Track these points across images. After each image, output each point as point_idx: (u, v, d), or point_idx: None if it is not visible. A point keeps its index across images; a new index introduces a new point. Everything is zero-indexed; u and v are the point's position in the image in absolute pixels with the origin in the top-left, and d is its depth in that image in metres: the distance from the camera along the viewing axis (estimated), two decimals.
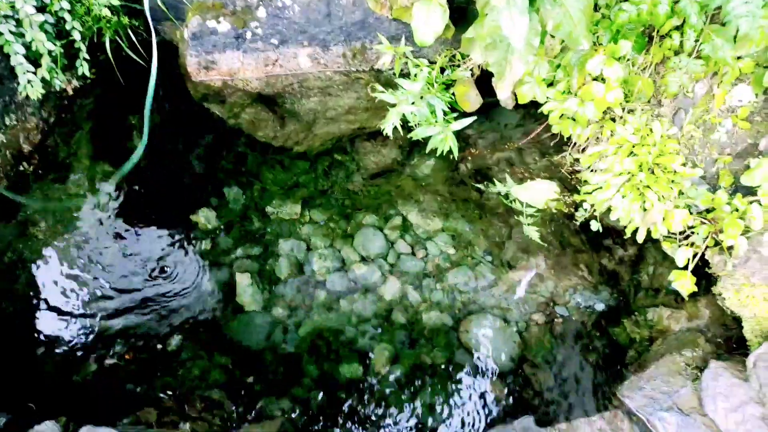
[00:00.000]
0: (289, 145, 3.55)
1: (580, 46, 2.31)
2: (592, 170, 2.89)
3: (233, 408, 2.71)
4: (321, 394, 2.89)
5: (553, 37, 2.70)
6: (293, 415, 2.77)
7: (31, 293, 2.92)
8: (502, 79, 2.41)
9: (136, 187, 3.36)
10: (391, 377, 2.96)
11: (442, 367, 2.99)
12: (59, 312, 2.91)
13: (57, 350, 2.79)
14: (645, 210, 2.55)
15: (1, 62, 2.84)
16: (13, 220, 3.00)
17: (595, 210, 2.79)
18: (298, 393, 2.88)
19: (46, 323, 2.86)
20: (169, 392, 2.70)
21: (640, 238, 2.58)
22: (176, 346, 2.94)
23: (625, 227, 2.69)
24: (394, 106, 2.75)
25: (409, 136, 2.91)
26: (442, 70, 3.20)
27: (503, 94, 2.57)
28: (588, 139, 2.84)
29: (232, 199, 3.47)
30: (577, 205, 2.99)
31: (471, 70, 3.23)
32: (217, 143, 3.58)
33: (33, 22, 2.77)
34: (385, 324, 3.13)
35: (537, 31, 2.33)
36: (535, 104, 2.89)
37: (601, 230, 2.80)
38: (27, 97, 2.76)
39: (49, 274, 2.98)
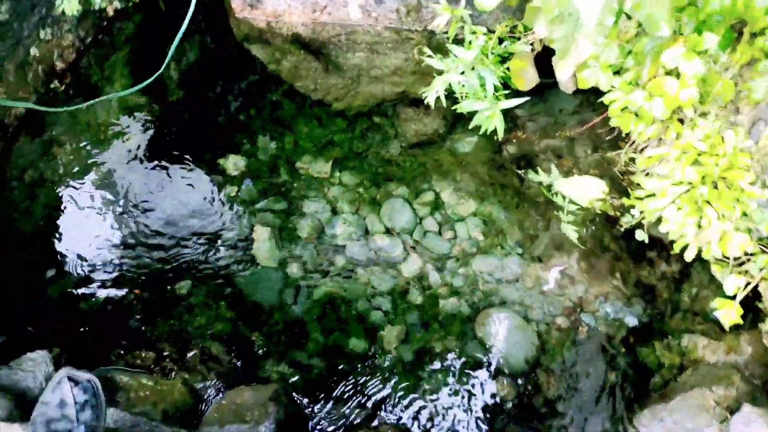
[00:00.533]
0: (328, 100, 3.37)
1: (659, 32, 2.03)
2: (647, 174, 2.62)
3: (230, 364, 2.64)
4: (323, 363, 2.81)
5: (629, 18, 2.41)
6: (290, 380, 2.69)
7: (49, 215, 2.89)
8: (565, 57, 2.15)
9: (168, 122, 3.27)
10: (398, 357, 2.84)
11: (452, 356, 2.85)
12: (74, 237, 2.87)
13: (66, 276, 2.77)
14: (700, 227, 2.30)
15: None
16: (39, 138, 2.95)
17: (643, 218, 2.53)
18: (299, 357, 2.80)
19: (60, 247, 2.84)
20: (170, 338, 2.65)
21: (689, 256, 2.33)
22: (186, 291, 2.89)
23: (673, 242, 2.44)
24: (441, 73, 2.52)
25: (453, 108, 2.69)
26: (500, 40, 2.93)
27: (563, 75, 2.32)
28: (649, 138, 2.56)
29: (262, 149, 3.34)
30: (624, 210, 2.74)
31: (532, 44, 2.95)
32: (254, 88, 3.43)
33: None
34: (400, 301, 3.00)
35: (612, 9, 2.05)
36: (595, 92, 2.61)
37: (646, 241, 2.56)
38: (63, 12, 2.65)
39: (68, 198, 2.94)
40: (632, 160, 2.82)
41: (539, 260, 3.03)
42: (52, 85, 2.97)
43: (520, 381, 2.71)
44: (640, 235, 2.57)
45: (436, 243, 3.15)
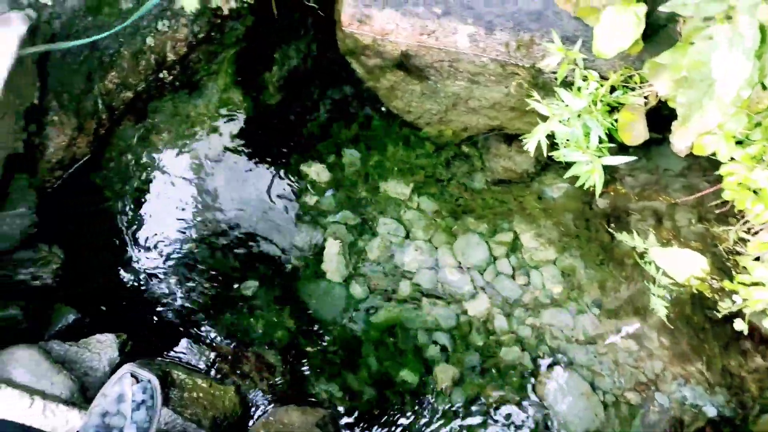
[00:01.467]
0: (419, 124, 3.31)
1: None
2: (758, 258, 2.38)
3: (283, 376, 2.63)
4: (372, 390, 2.74)
5: (764, 88, 2.20)
6: (338, 404, 2.65)
7: (138, 198, 2.99)
8: (686, 124, 1.98)
9: (261, 122, 3.32)
10: (449, 399, 2.74)
11: (506, 409, 2.71)
12: (155, 224, 2.96)
13: (143, 262, 2.85)
14: None
15: None
16: (141, 123, 3.07)
17: (746, 306, 2.30)
18: (350, 381, 2.74)
19: (141, 232, 2.93)
20: (230, 339, 2.67)
21: None
22: (251, 293, 2.90)
23: None
24: (545, 118, 2.40)
25: (549, 154, 2.56)
26: (612, 89, 2.77)
27: (681, 143, 2.14)
28: (766, 222, 2.33)
29: (348, 162, 3.32)
30: (723, 294, 2.50)
31: (646, 97, 2.77)
32: (349, 101, 3.42)
33: None
34: (460, 341, 2.89)
35: (752, 81, 1.87)
36: (709, 157, 2.41)
37: (746, 332, 2.32)
38: (182, 7, 2.74)
39: (157, 185, 3.03)
40: (742, 240, 2.57)
41: (617, 326, 2.83)
42: (160, 75, 3.09)
43: None
44: (740, 326, 2.33)
45: (507, 287, 3.01)
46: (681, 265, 2.50)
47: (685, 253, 2.54)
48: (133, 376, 1.67)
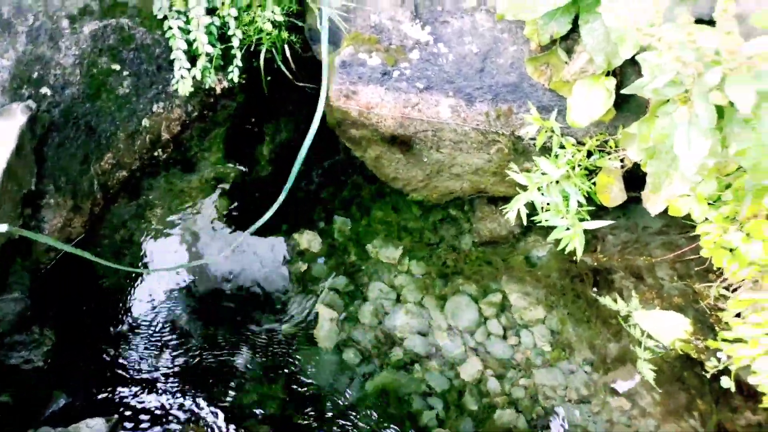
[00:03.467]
0: (406, 190, 3.43)
1: (766, 181, 1.93)
2: (738, 314, 2.44)
3: None
4: None
5: (724, 147, 2.32)
6: None
7: (130, 275, 3.03)
8: (657, 192, 2.09)
9: (253, 193, 3.41)
10: None
11: None
12: (149, 301, 2.99)
13: (134, 341, 2.87)
14: None
15: (163, 53, 3.00)
16: (134, 201, 3.15)
17: (731, 363, 2.34)
18: None
19: (134, 309, 2.96)
20: (224, 415, 2.66)
21: None
22: (244, 365, 2.91)
23: (764, 394, 2.23)
24: (525, 188, 2.51)
25: (532, 219, 2.65)
26: (589, 154, 2.90)
27: (654, 208, 2.24)
28: (744, 279, 2.40)
29: (338, 228, 3.40)
30: (709, 352, 2.55)
31: (622, 160, 2.89)
32: (338, 169, 3.54)
33: (200, 24, 2.89)
34: (454, 406, 2.89)
35: (715, 152, 1.98)
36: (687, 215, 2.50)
37: (733, 389, 2.35)
38: (177, 90, 2.88)
39: (151, 262, 3.08)
40: (723, 296, 2.64)
41: (609, 385, 2.84)
42: (155, 153, 3.19)
43: None
44: (726, 383, 2.37)
45: (498, 348, 3.04)
46: (665, 328, 2.55)
47: (668, 315, 2.59)
48: None
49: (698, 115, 1.64)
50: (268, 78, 3.46)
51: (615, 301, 2.83)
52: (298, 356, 2.99)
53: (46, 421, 2.31)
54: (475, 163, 3.22)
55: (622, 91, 1.95)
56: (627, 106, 2.81)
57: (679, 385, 2.75)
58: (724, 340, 2.37)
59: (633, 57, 2.24)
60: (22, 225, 2.53)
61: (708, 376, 2.53)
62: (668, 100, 2.02)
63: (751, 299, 2.31)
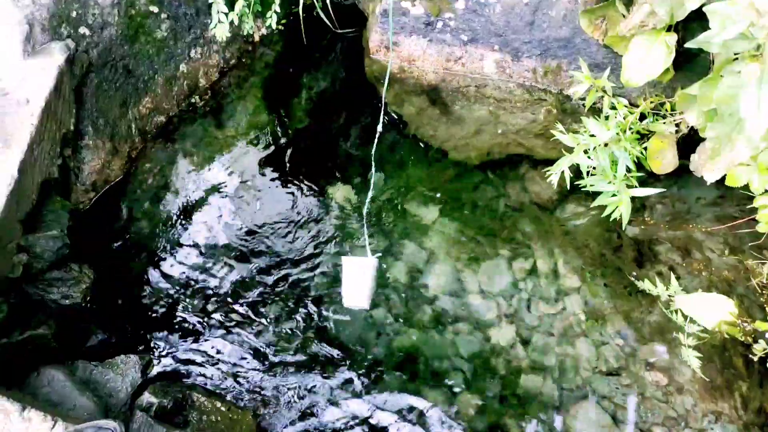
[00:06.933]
0: (446, 148, 3.32)
1: None
2: None
3: (302, 400, 2.64)
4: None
5: None
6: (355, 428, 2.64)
7: (167, 220, 3.07)
8: (716, 158, 1.93)
9: (289, 145, 3.37)
10: (471, 427, 2.70)
11: None
12: (184, 245, 3.03)
13: (169, 283, 2.91)
14: None
15: None
16: (171, 146, 3.15)
17: None
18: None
19: (170, 252, 3.00)
20: (251, 364, 2.69)
21: None
22: (274, 315, 2.92)
23: None
24: (571, 150, 2.37)
25: (576, 184, 2.52)
26: (642, 116, 2.72)
27: (711, 176, 2.08)
28: None
29: (374, 185, 3.34)
30: (757, 335, 2.40)
31: (677, 124, 2.71)
32: (375, 126, 3.45)
33: None
34: (481, 369, 2.85)
35: None
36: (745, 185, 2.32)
37: None
38: (215, 35, 2.82)
39: (187, 207, 3.10)
40: None
41: (645, 359, 2.74)
42: (192, 100, 3.17)
43: None
44: None
45: (531, 314, 2.96)
46: (708, 311, 2.40)
47: (711, 297, 2.43)
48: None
49: None
50: (308, 26, 3.37)
51: (654, 284, 2.68)
52: (329, 309, 3.00)
53: (83, 354, 2.38)
54: (518, 123, 3.08)
55: (686, 45, 1.78)
56: (688, 66, 2.61)
57: (721, 365, 2.63)
58: None
59: (699, 9, 2.05)
60: (62, 165, 2.57)
61: (755, 359, 2.39)
62: (736, 58, 1.84)
63: None
